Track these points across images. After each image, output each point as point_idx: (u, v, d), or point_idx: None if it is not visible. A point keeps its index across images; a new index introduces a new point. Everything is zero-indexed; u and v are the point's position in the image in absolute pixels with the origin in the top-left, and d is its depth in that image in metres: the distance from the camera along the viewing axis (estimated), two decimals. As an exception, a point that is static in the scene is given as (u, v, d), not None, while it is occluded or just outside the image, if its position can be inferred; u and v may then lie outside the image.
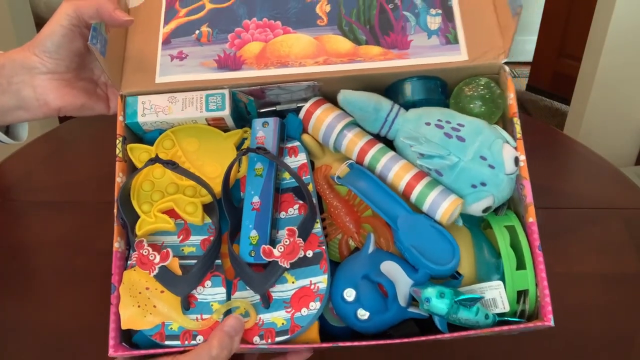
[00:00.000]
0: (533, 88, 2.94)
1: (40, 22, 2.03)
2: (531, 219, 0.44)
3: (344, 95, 0.50)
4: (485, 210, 0.45)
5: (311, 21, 0.56)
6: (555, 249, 0.84)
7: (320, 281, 0.48)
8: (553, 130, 1.13)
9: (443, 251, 0.42)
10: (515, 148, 0.44)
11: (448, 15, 0.51)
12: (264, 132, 0.54)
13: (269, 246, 0.49)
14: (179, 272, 0.51)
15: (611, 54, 1.90)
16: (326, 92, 0.54)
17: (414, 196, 0.45)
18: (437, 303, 0.40)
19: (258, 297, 0.50)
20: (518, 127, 0.45)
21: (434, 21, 0.51)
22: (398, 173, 0.45)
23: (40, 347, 0.72)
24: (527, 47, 3.21)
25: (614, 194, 0.95)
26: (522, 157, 0.44)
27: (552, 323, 0.43)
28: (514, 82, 0.49)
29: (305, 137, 0.54)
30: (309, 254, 0.50)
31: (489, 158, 0.42)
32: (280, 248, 0.49)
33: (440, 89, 0.49)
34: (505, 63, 0.50)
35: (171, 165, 0.53)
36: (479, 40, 0.49)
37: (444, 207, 0.43)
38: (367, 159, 0.48)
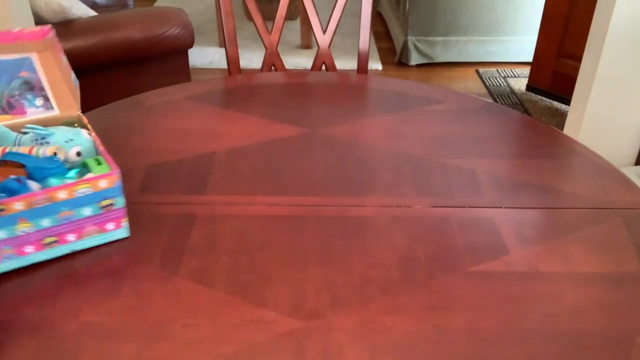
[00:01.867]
0: (533, 88, 2.93)
1: (40, 22, 2.02)
2: (96, 140, 0.90)
3: None
4: (78, 154, 0.88)
5: None
6: (555, 249, 0.84)
7: None
8: (553, 130, 1.13)
9: (51, 162, 0.84)
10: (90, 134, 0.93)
11: (46, 99, 1.01)
12: None
13: None
14: None
15: (611, 54, 1.90)
16: None
17: (36, 153, 0.86)
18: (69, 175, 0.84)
19: None
20: (88, 127, 0.95)
21: (39, 102, 0.99)
22: (26, 150, 0.87)
23: None
24: (527, 47, 3.20)
25: (614, 194, 0.95)
26: (91, 135, 0.92)
27: (119, 170, 0.82)
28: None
29: None
30: None
31: (72, 131, 0.91)
32: None
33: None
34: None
35: None
36: (64, 106, 0.99)
37: (49, 149, 0.86)
38: (7, 150, 0.87)
